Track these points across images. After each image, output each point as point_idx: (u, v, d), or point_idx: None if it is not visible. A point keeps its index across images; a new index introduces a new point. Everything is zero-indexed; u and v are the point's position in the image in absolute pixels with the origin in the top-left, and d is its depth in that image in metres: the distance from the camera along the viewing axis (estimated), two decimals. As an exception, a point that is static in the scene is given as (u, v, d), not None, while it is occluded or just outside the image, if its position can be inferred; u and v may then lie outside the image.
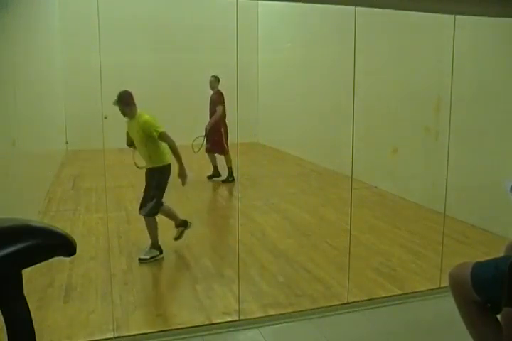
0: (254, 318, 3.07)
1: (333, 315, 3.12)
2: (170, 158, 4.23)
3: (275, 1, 5.18)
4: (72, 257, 1.16)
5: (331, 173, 7.77)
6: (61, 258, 1.16)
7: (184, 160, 4.12)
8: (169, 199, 6.12)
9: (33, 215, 4.97)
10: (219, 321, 3.05)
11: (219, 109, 7.14)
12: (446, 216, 4.00)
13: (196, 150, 6.91)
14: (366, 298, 3.34)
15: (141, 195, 4.29)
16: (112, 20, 9.05)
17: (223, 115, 7.24)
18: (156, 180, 4.23)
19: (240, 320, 3.05)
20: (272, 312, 3.16)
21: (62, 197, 6.42)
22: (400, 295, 3.42)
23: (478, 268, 1.94)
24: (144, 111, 4.26)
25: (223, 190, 7.25)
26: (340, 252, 4.22)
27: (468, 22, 3.87)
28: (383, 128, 6.73)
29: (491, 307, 1.92)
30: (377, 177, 6.72)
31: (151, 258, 4.15)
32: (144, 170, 4.31)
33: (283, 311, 3.17)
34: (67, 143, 9.94)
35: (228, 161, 7.33)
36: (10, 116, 4.05)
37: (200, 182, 7.24)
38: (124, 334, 2.88)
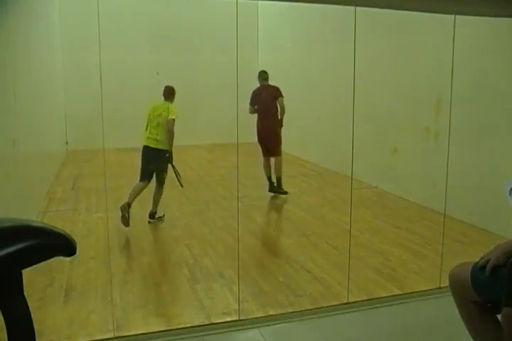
0: (254, 318, 3.07)
1: (333, 315, 3.12)
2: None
3: (275, 1, 5.19)
4: (72, 257, 1.16)
5: (331, 173, 7.77)
6: (61, 258, 1.16)
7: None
8: (170, 198, 6.11)
9: (33, 215, 4.97)
10: (219, 321, 3.05)
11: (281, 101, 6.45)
12: (446, 216, 4.00)
13: None
14: (366, 298, 3.33)
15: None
16: (112, 20, 9.06)
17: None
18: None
19: (239, 320, 3.05)
20: (272, 312, 3.16)
21: (62, 197, 6.42)
22: (400, 295, 3.42)
23: (478, 268, 1.94)
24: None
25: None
26: (340, 252, 4.22)
27: (468, 22, 3.87)
28: (383, 128, 6.73)
29: (491, 307, 1.92)
30: (377, 177, 6.72)
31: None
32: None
33: (283, 311, 3.17)
34: (67, 143, 9.95)
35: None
36: (10, 117, 4.05)
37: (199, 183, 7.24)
38: (124, 334, 2.88)
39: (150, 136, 5.13)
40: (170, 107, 5.16)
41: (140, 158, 5.15)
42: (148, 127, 5.16)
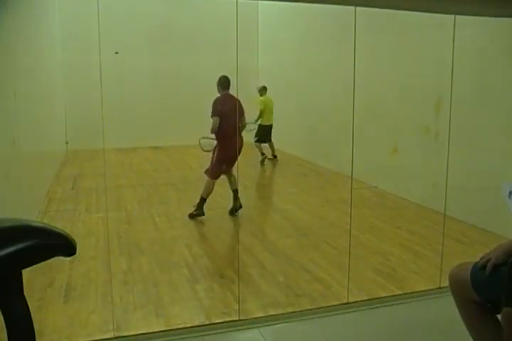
0: (254, 318, 3.07)
1: (333, 315, 3.11)
2: None
3: (275, 1, 5.18)
4: (72, 257, 1.16)
5: (331, 173, 7.77)
6: (61, 258, 1.16)
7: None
8: (171, 197, 6.10)
9: (33, 215, 4.97)
10: (219, 321, 3.05)
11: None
12: (446, 216, 4.00)
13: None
14: (366, 298, 3.33)
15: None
16: (112, 20, 9.06)
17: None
18: None
19: (240, 320, 3.05)
20: (272, 312, 3.16)
21: (62, 197, 6.42)
22: (400, 295, 3.42)
23: (478, 267, 1.94)
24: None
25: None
26: (340, 252, 4.22)
27: (468, 22, 3.87)
28: (383, 128, 6.73)
29: (491, 307, 1.92)
30: (377, 177, 6.72)
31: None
32: None
33: (283, 311, 3.17)
34: (67, 143, 9.95)
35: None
36: (10, 116, 4.05)
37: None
38: (124, 334, 2.88)
39: None
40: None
41: None
42: None
